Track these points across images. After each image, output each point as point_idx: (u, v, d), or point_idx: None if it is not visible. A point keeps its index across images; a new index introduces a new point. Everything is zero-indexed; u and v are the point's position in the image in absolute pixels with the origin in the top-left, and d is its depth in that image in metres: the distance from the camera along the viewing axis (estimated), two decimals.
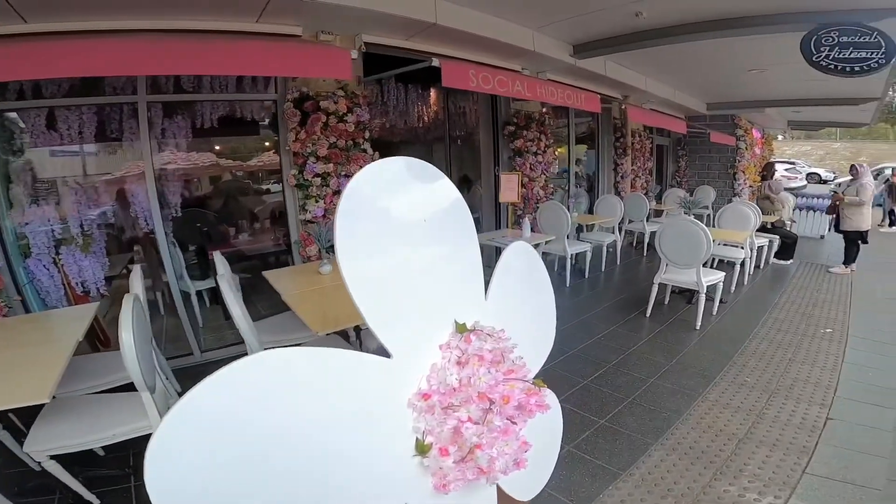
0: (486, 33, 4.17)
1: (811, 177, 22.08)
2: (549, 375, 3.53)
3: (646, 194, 8.28)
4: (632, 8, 4.00)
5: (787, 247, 6.60)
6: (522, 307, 1.22)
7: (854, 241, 6.20)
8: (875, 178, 16.12)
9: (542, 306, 1.35)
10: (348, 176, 3.90)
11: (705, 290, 4.16)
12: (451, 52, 4.46)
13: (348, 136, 3.86)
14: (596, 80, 6.20)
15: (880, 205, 11.36)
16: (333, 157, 3.81)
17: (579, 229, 6.65)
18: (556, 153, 6.39)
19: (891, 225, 11.04)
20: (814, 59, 3.70)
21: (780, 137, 17.13)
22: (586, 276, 5.95)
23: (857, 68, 3.61)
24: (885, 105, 9.27)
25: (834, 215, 6.57)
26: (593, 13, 4.20)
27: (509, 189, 4.95)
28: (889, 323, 4.57)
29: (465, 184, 7.34)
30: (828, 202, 7.55)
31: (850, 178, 6.50)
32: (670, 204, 8.11)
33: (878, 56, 3.54)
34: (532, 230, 5.62)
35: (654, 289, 4.48)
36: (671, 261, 4.26)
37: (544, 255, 5.91)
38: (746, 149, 10.48)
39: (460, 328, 0.90)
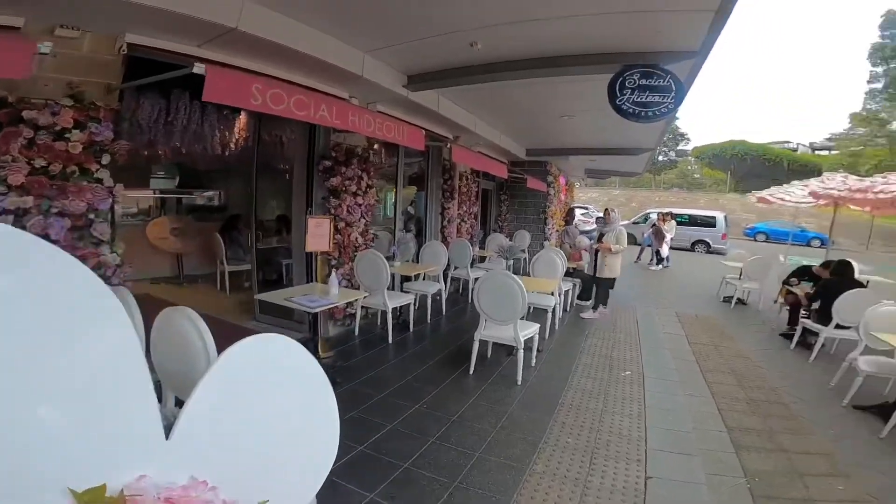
0: (305, 48, 3.58)
1: (599, 220, 26.56)
2: (363, 462, 2.86)
3: (471, 239, 8.45)
4: (468, 38, 3.89)
5: (587, 287, 7.26)
6: (275, 422, 1.01)
7: (607, 288, 6.68)
8: (644, 222, 20.29)
9: (309, 413, 1.11)
10: (63, 214, 2.74)
11: (522, 346, 4.05)
12: (261, 68, 3.74)
13: (69, 160, 2.73)
14: (429, 117, 6.07)
15: (649, 245, 13.80)
16: (36, 187, 2.61)
17: (406, 278, 6.25)
18: (379, 194, 5.97)
19: (657, 263, 13.45)
20: (617, 101, 3.94)
21: (577, 185, 20.29)
22: (411, 330, 5.51)
23: (650, 113, 3.92)
24: (651, 157, 11.58)
25: (593, 262, 6.97)
26: (430, 39, 3.97)
27: (318, 235, 4.22)
28: (672, 358, 5.14)
29: (283, 224, 6.41)
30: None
31: (602, 222, 6.95)
32: (492, 250, 8.40)
33: (669, 101, 3.87)
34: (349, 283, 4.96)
35: (476, 345, 4.27)
36: (489, 316, 4.13)
37: (365, 311, 5.31)
38: (555, 195, 11.83)
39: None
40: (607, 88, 3.93)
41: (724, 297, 8.58)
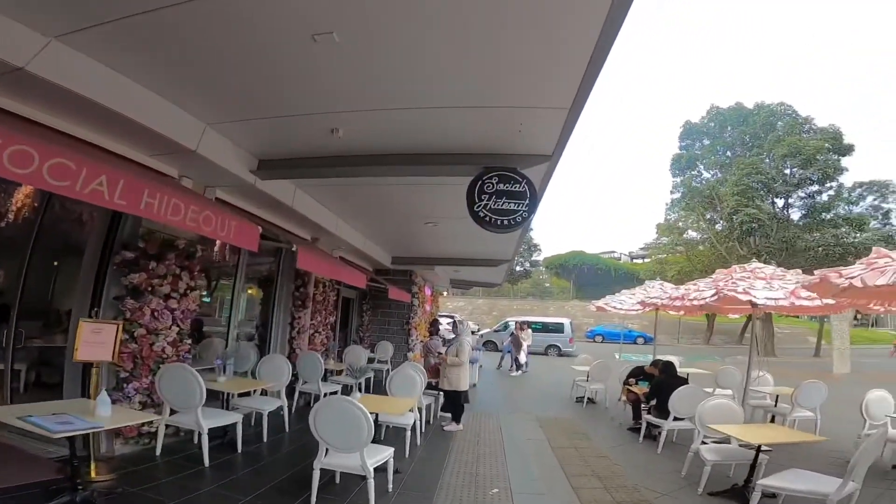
0: (118, 106, 3.01)
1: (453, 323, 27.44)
2: None
3: (325, 351, 7.62)
4: (328, 122, 3.66)
5: (451, 399, 6.89)
6: None
7: (456, 401, 6.39)
8: (504, 330, 21.82)
9: None
10: None
11: (373, 475, 3.35)
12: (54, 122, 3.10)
13: None
14: (283, 212, 5.56)
15: (510, 352, 14.48)
16: None
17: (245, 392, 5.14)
18: (216, 293, 5.05)
19: (517, 369, 13.97)
20: (475, 208, 3.90)
21: (444, 294, 20.90)
22: (239, 451, 4.34)
23: (506, 221, 3.90)
24: (509, 267, 12.49)
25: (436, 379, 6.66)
26: (286, 118, 3.65)
27: (96, 343, 3.19)
28: (537, 467, 4.83)
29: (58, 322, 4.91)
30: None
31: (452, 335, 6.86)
32: (352, 359, 7.73)
33: (524, 208, 3.91)
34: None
35: (316, 474, 3.40)
36: (330, 445, 3.37)
37: (170, 429, 4.10)
38: (419, 305, 11.71)
39: None
40: (467, 193, 3.95)
41: (577, 398, 9.13)
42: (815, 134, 26.43)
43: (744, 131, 29.52)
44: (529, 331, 15.22)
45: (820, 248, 23.21)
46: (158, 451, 3.98)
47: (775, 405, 6.74)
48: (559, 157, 4.12)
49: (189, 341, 4.45)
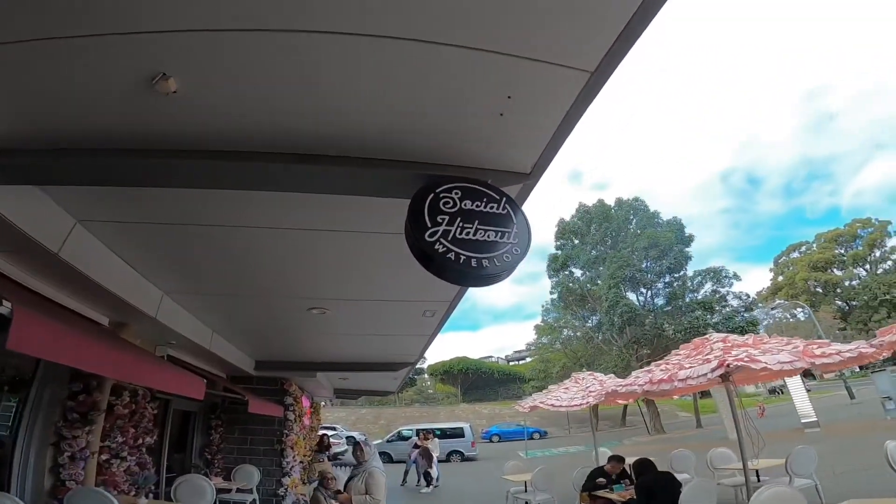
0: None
1: (349, 440, 23.25)
2: None
3: (139, 481, 4.41)
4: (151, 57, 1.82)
5: None
6: None
7: None
8: (398, 440, 18.69)
9: None
10: None
11: None
12: None
13: None
14: (43, 263, 2.96)
15: (415, 463, 11.70)
16: None
17: None
18: None
19: (427, 485, 11.15)
20: (427, 236, 2.08)
21: (323, 404, 17.16)
22: None
23: (485, 263, 2.13)
24: (409, 371, 10.16)
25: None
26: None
27: None
28: None
29: None
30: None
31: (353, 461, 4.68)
32: (187, 498, 4.63)
33: (511, 240, 2.23)
34: None
35: None
36: None
37: None
38: (295, 420, 8.67)
39: None
40: (408, 213, 2.19)
41: None
42: (665, 226, 30.17)
43: (607, 226, 31.85)
44: (436, 440, 13.08)
45: (681, 332, 25.08)
46: None
47: (758, 480, 5.58)
48: (537, 179, 2.64)
49: None
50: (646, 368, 6.52)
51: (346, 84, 1.97)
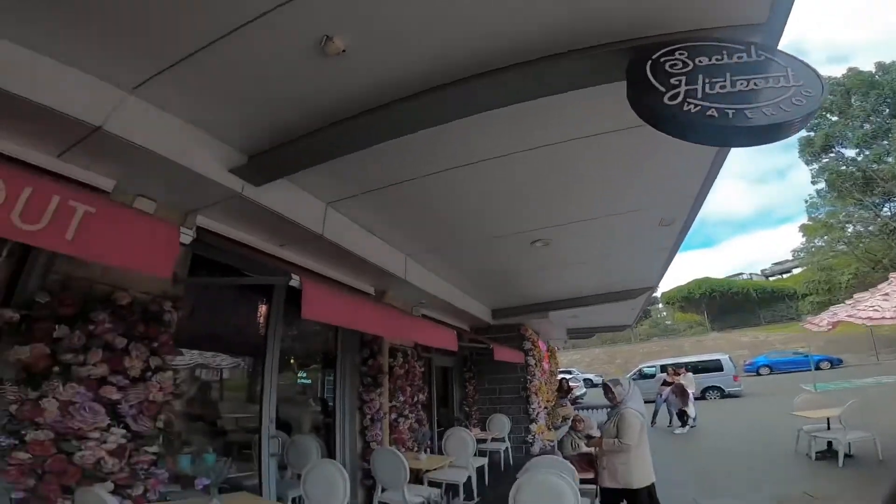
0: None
1: (587, 382, 23.34)
2: None
3: (417, 438, 5.35)
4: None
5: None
6: None
7: (635, 500, 3.84)
8: (640, 378, 17.64)
9: None
10: None
11: None
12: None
13: None
14: (314, 247, 3.82)
15: (666, 402, 11.00)
16: None
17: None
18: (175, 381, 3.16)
19: (683, 425, 10.36)
20: (666, 100, 1.81)
21: (559, 348, 17.61)
22: None
23: (768, 112, 1.73)
24: (648, 299, 9.46)
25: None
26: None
27: None
28: None
29: None
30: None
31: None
32: (454, 450, 5.38)
33: (790, 82, 1.80)
34: None
35: None
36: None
37: None
38: (536, 365, 9.07)
39: None
40: (629, 86, 1.97)
41: (818, 453, 6.21)
42: None
43: (878, 94, 24.28)
44: (690, 374, 11.58)
45: None
46: None
47: None
48: (779, 30, 2.04)
49: (154, 449, 2.54)
50: None
51: None
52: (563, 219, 4.29)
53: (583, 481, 3.87)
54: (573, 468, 3.57)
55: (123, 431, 2.38)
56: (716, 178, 3.67)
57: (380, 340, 5.29)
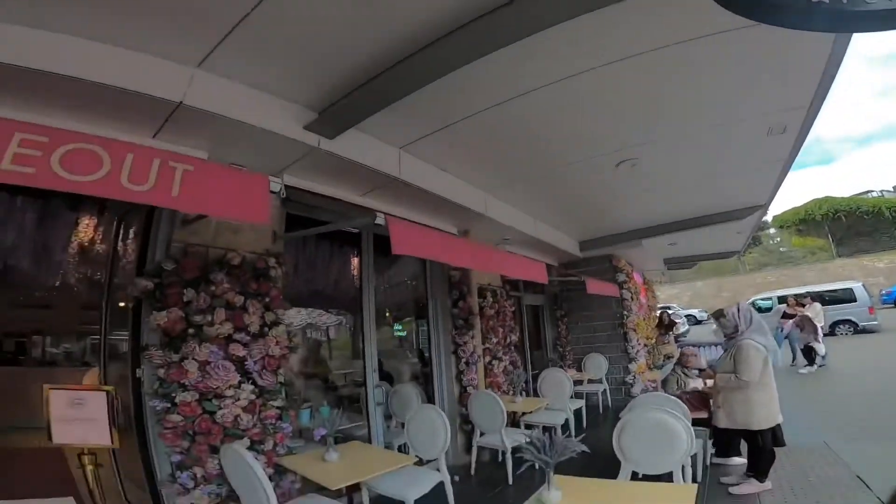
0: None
1: (689, 319, 21.98)
2: None
3: (512, 379, 5.41)
4: None
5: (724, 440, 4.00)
6: None
7: (754, 445, 3.56)
8: (762, 312, 15.71)
9: None
10: None
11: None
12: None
13: None
14: (393, 192, 3.85)
15: (787, 338, 9.86)
16: None
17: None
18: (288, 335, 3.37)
19: (809, 363, 9.30)
20: None
21: (657, 282, 16.37)
22: None
23: None
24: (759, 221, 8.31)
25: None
26: None
27: (80, 420, 2.00)
28: None
29: None
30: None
31: (720, 332, 4.01)
32: (549, 392, 5.38)
33: None
34: None
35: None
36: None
37: None
38: (632, 299, 8.52)
39: None
40: None
41: None
42: None
43: None
44: (817, 305, 10.08)
45: None
46: None
47: None
48: None
49: (278, 403, 2.80)
50: None
51: None
52: (651, 134, 3.79)
53: (694, 422, 3.65)
54: (685, 406, 3.35)
55: (252, 387, 2.64)
56: (834, 78, 3.01)
57: (468, 281, 5.31)
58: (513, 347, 6.03)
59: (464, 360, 4.94)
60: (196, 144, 2.72)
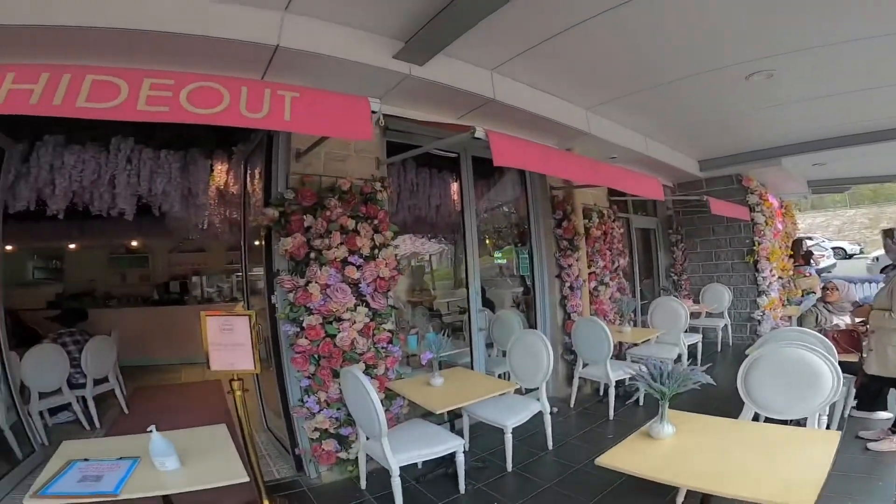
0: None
1: (837, 252, 18.67)
2: None
3: (619, 312, 5.20)
4: None
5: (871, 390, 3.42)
6: None
7: None
8: None
9: None
10: None
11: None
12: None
13: None
14: (489, 114, 3.73)
15: None
16: None
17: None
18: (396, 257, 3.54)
19: None
20: None
21: (797, 207, 13.69)
22: None
23: None
24: None
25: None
26: None
27: (231, 346, 2.32)
28: None
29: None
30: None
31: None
32: (661, 324, 5.00)
33: None
34: None
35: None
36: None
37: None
38: (766, 224, 7.38)
39: None
40: None
41: None
42: None
43: None
44: None
45: None
46: (363, 485, 2.83)
47: None
48: None
49: (390, 325, 3.06)
50: None
51: None
52: (792, 41, 3.12)
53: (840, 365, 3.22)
54: (831, 345, 2.95)
55: (366, 310, 2.88)
56: None
57: (572, 200, 5.04)
58: (621, 273, 5.74)
59: (568, 284, 4.83)
60: (298, 83, 2.84)
